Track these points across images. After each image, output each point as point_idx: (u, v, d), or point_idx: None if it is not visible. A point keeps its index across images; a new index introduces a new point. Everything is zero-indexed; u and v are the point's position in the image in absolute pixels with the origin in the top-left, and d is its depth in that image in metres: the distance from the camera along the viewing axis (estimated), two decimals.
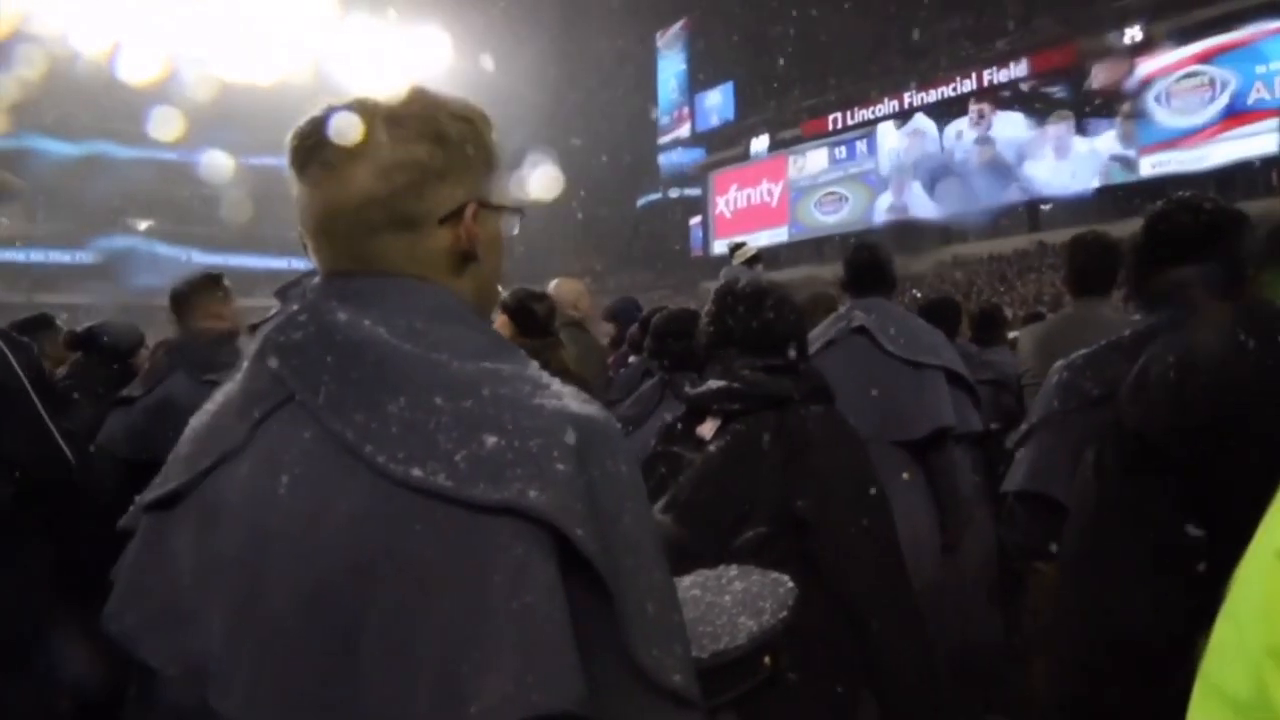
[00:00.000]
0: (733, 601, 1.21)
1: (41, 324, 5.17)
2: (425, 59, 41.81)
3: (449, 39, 43.74)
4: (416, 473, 0.80)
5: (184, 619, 0.87)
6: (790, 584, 1.28)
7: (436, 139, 0.93)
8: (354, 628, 0.79)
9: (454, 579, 0.77)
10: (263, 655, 0.82)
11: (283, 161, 0.96)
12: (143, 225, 42.62)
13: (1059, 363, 1.97)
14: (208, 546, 0.87)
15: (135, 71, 35.65)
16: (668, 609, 0.87)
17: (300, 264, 0.96)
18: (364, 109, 0.93)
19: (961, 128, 36.64)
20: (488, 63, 39.82)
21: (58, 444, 2.69)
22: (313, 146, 0.93)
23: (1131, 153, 31.76)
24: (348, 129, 0.92)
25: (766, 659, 1.15)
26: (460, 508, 0.79)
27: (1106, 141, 32.58)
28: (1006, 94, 35.45)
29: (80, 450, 2.79)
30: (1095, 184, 32.57)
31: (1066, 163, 33.36)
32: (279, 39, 40.61)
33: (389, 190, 0.91)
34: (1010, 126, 35.17)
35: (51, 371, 4.36)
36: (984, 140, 35.73)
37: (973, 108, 36.29)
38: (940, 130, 37.28)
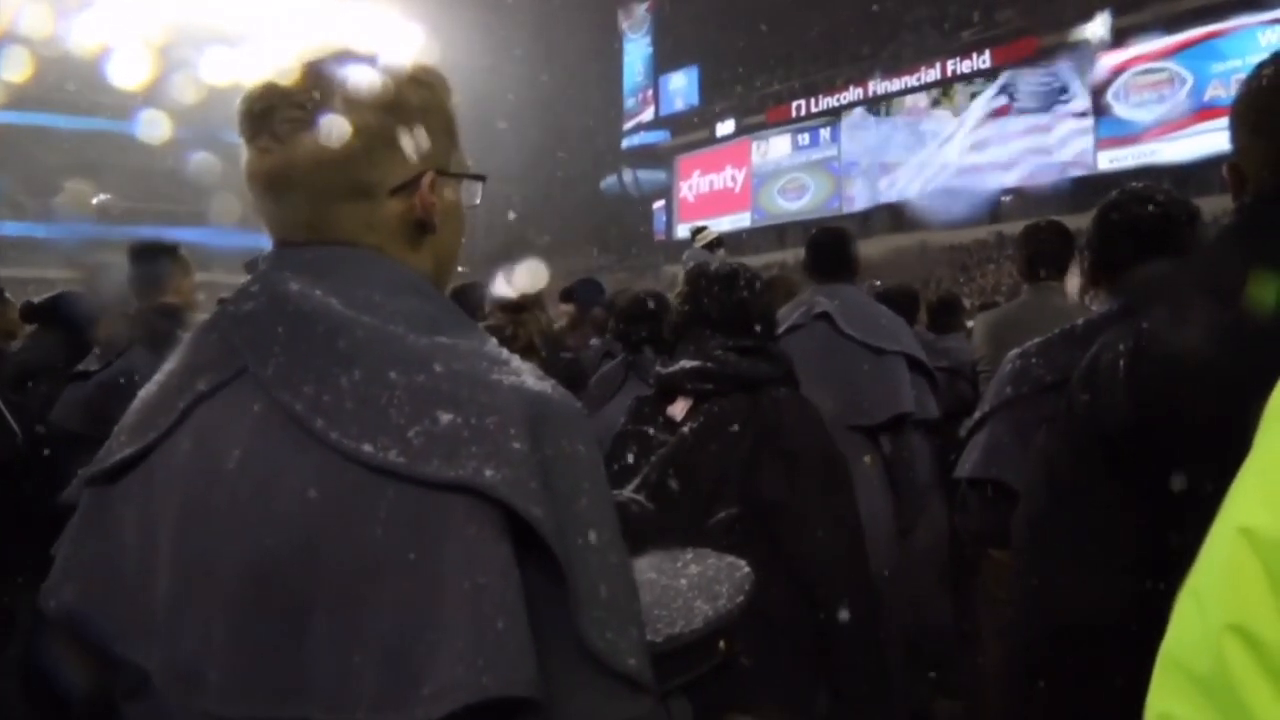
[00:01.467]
0: (689, 585, 1.20)
1: None
2: (390, 36, 41.26)
3: (413, 13, 43.20)
4: (368, 448, 0.78)
5: (126, 594, 0.85)
6: (746, 568, 1.28)
7: (390, 106, 0.90)
8: (303, 605, 0.77)
9: (405, 558, 0.76)
10: (209, 632, 0.80)
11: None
12: (96, 199, 41.65)
13: (1013, 351, 2.00)
14: (153, 520, 0.85)
15: (90, 40, 34.82)
16: (623, 592, 0.86)
17: (260, 240, 0.94)
18: (315, 75, 0.89)
19: (902, 121, 37.10)
20: (447, 39, 39.35)
21: (6, 419, 2.64)
22: (261, 114, 0.89)
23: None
24: (297, 96, 0.88)
25: (721, 643, 1.16)
26: (413, 485, 0.77)
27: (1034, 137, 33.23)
28: (935, 91, 35.88)
29: (29, 424, 2.73)
30: (1010, 182, 33.29)
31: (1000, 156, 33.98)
32: (244, 16, 39.89)
33: (342, 158, 0.88)
34: (945, 121, 35.64)
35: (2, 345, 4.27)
36: (922, 134, 36.22)
37: (911, 100, 36.75)
38: (878, 123, 37.74)
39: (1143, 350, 1.18)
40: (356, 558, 0.76)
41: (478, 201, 1.00)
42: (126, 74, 33.69)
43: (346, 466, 0.78)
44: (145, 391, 0.93)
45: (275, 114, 0.88)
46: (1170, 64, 30.20)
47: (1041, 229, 3.22)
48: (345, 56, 0.92)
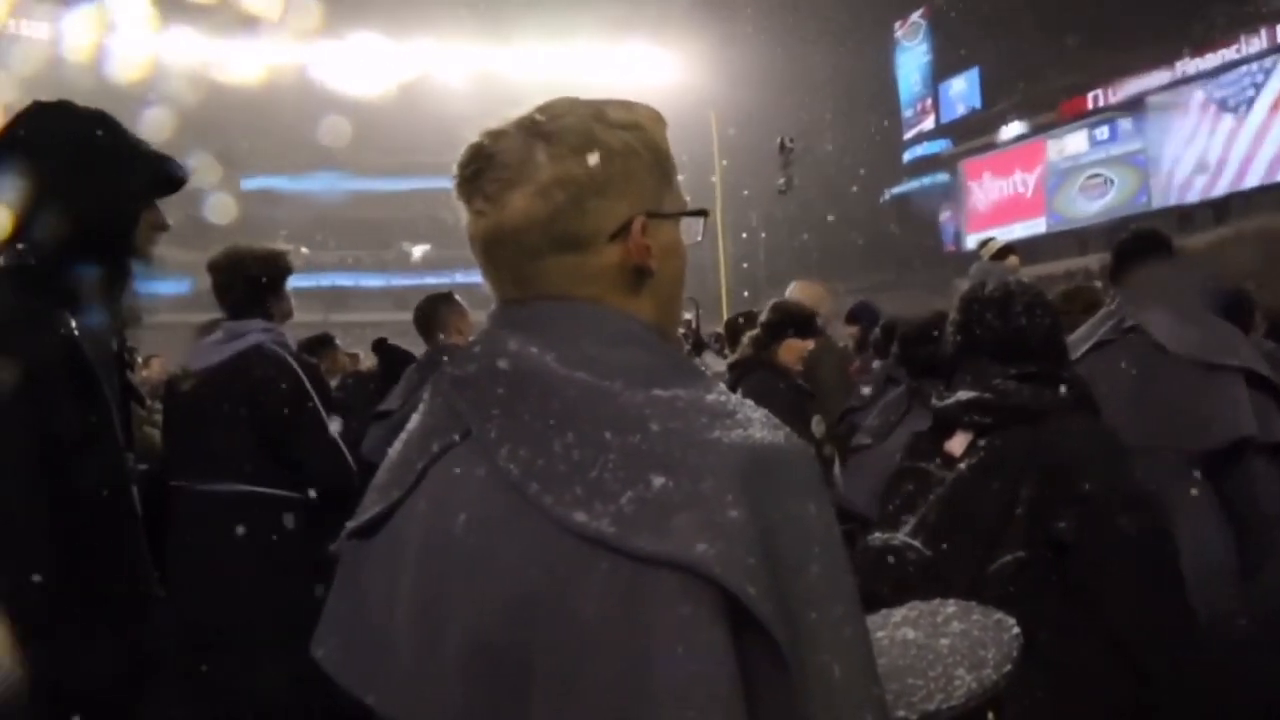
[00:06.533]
0: (949, 648, 1.09)
1: (324, 342, 5.87)
2: (653, 71, 42.88)
3: (680, 48, 44.66)
4: (580, 516, 0.75)
5: (376, 649, 0.88)
6: (1015, 628, 1.13)
7: (594, 153, 0.88)
8: (522, 673, 0.75)
9: (615, 639, 0.72)
10: (443, 692, 0.81)
11: None
12: (417, 251, 46.58)
13: None
14: (396, 578, 0.87)
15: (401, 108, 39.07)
16: (859, 671, 0.78)
17: None
18: (519, 129, 0.90)
19: (1223, 101, 32.82)
20: (714, 69, 40.20)
21: (344, 455, 2.95)
22: (471, 178, 0.91)
23: None
24: (503, 155, 0.89)
25: (990, 715, 1.03)
26: (624, 557, 0.73)
27: None
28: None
29: (356, 460, 3.05)
30: None
31: None
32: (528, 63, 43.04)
33: (550, 211, 0.87)
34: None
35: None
36: (1250, 112, 31.81)
37: (1232, 76, 32.40)
38: (1192, 106, 33.63)
39: None
40: (570, 636, 0.74)
41: (699, 238, 0.96)
42: (437, 138, 37.49)
43: (561, 535, 0.76)
44: (393, 450, 0.97)
45: (483, 176, 0.90)
46: None
47: None
48: (547, 110, 0.91)
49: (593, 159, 0.88)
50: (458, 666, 0.80)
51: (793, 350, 3.91)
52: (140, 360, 5.87)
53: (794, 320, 3.98)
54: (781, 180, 24.58)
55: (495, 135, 0.91)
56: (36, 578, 1.46)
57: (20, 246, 1.68)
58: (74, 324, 1.62)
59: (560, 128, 0.89)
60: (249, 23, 39.17)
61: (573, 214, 0.88)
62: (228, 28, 39.15)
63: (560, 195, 0.88)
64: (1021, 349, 1.85)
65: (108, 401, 1.65)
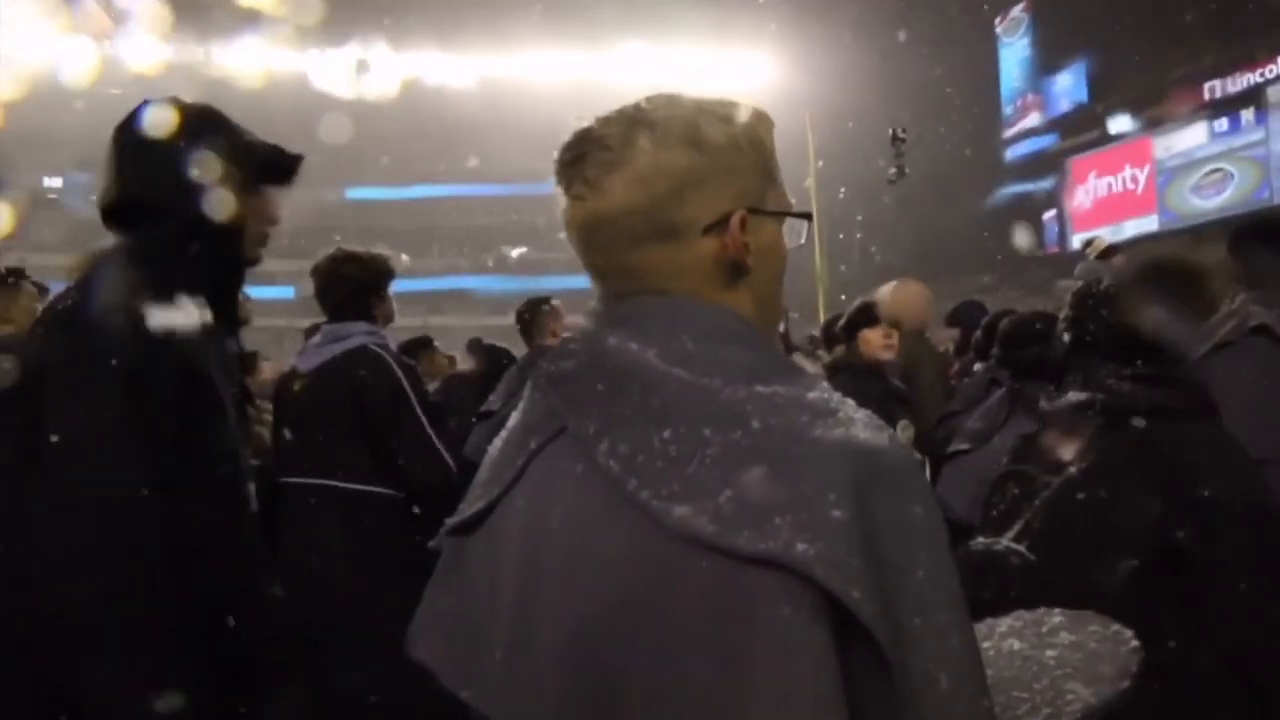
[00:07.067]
0: (1058, 660, 1.03)
1: (423, 344, 6.03)
2: (748, 74, 42.65)
3: (776, 44, 44.36)
4: (679, 512, 0.74)
5: (473, 645, 0.88)
6: (1134, 641, 1.07)
7: (696, 144, 0.88)
8: (618, 672, 0.75)
9: (713, 639, 0.71)
10: (538, 689, 0.80)
11: None
12: (514, 253, 47.43)
13: None
14: (497, 575, 0.88)
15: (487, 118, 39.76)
16: (967, 682, 0.75)
17: None
18: (623, 118, 0.90)
19: None
20: (808, 72, 39.78)
21: (441, 454, 3.01)
22: (572, 161, 0.91)
23: None
24: (606, 140, 0.89)
25: None
26: (724, 557, 0.72)
27: None
28: None
29: (457, 460, 3.11)
30: None
31: None
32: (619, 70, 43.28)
33: (649, 199, 0.87)
34: None
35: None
36: None
37: None
38: None
39: None
40: (666, 635, 0.73)
41: (802, 241, 0.95)
42: (533, 144, 38.13)
43: (659, 532, 0.75)
44: (493, 447, 0.98)
45: (586, 160, 0.90)
46: None
47: None
48: (653, 100, 0.91)
49: (695, 150, 0.88)
50: (552, 663, 0.80)
51: (869, 341, 3.86)
52: (262, 362, 6.13)
53: (859, 313, 3.99)
54: (893, 170, 24.14)
55: (601, 121, 0.92)
56: (153, 573, 1.46)
57: (130, 244, 1.70)
58: (183, 319, 1.62)
59: (665, 117, 0.90)
60: (343, 35, 40.45)
61: (672, 203, 0.88)
62: (323, 39, 40.47)
63: (660, 183, 0.88)
64: (1136, 347, 1.78)
65: (220, 397, 1.67)
